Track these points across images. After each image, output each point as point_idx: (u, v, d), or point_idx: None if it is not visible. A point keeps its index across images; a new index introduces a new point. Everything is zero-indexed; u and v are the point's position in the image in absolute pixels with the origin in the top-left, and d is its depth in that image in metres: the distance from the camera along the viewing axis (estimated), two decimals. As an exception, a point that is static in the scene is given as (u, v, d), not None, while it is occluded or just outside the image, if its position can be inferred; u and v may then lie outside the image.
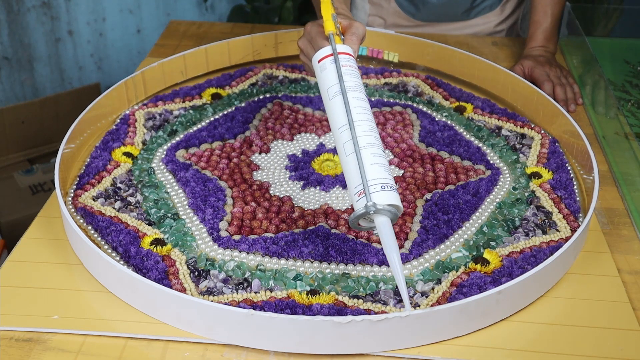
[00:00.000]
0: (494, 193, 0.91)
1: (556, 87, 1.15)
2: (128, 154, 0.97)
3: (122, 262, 0.80)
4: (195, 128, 1.04)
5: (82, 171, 0.94)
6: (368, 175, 0.72)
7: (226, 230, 0.84)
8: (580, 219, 0.87)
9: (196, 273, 0.78)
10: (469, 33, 1.39)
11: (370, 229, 0.73)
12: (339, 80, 0.78)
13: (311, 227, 0.85)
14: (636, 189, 0.95)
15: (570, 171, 0.96)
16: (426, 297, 0.76)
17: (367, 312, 0.73)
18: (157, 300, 0.71)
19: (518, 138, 1.03)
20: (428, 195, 0.90)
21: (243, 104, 1.10)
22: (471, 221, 0.87)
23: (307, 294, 0.75)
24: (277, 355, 0.70)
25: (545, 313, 0.75)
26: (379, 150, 0.74)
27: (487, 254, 0.81)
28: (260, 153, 1.00)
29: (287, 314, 0.70)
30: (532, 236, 0.84)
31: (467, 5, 1.36)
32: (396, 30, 1.35)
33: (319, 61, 0.81)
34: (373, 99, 1.12)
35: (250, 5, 2.21)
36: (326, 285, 0.77)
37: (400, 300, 0.75)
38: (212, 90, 1.14)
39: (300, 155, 0.99)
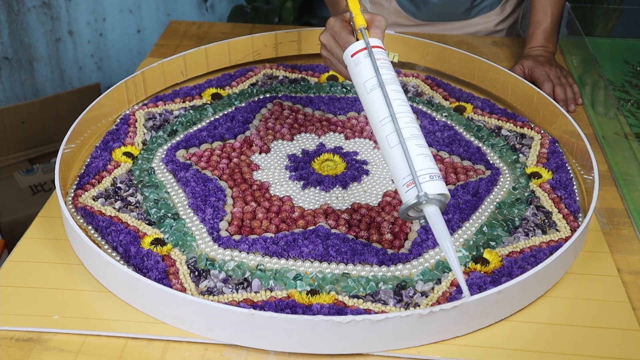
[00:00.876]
0: (493, 193, 0.92)
1: (556, 87, 1.15)
2: (128, 154, 0.97)
3: (122, 262, 0.80)
4: (195, 128, 1.04)
5: (82, 171, 0.94)
6: (416, 165, 0.72)
7: (226, 230, 0.84)
8: (580, 219, 0.88)
9: (196, 273, 0.78)
10: (470, 32, 1.39)
11: (418, 218, 0.75)
12: (375, 74, 0.78)
13: (311, 227, 0.85)
14: (636, 189, 0.96)
15: (570, 171, 0.96)
16: (426, 297, 0.76)
17: (367, 312, 0.73)
18: (157, 300, 0.71)
19: (518, 138, 1.03)
20: (428, 195, 0.90)
21: (243, 104, 1.10)
22: (471, 221, 0.87)
23: (307, 294, 0.75)
24: (277, 355, 0.70)
25: (545, 313, 0.75)
26: (422, 141, 0.75)
27: (487, 254, 0.81)
28: (260, 153, 1.00)
29: (287, 313, 0.70)
30: (532, 236, 0.84)
31: (467, 4, 1.36)
32: (396, 29, 1.35)
33: (352, 55, 0.81)
34: (373, 99, 1.12)
35: (250, 5, 2.21)
36: (326, 285, 0.77)
37: (400, 300, 0.75)
38: (212, 90, 1.14)
39: (300, 155, 0.99)
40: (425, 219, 0.75)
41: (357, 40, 0.82)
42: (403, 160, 0.73)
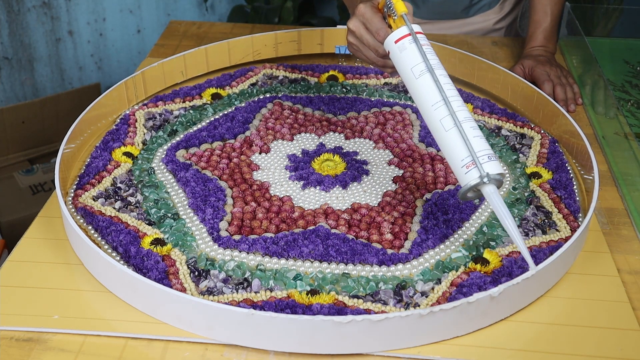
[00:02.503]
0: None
1: (556, 87, 1.15)
2: (128, 154, 0.97)
3: (122, 262, 0.80)
4: (195, 128, 1.04)
5: (82, 171, 0.94)
6: (474, 147, 0.75)
7: (226, 230, 0.84)
8: (580, 219, 0.87)
9: (196, 273, 0.78)
10: (469, 31, 1.39)
11: (475, 198, 0.78)
12: (423, 59, 0.80)
13: (311, 227, 0.85)
14: (636, 189, 0.96)
15: (570, 171, 0.96)
16: (426, 297, 0.76)
17: (367, 312, 0.73)
18: (157, 300, 0.71)
19: (518, 138, 1.03)
20: (428, 195, 0.90)
21: (243, 104, 1.10)
22: (471, 221, 0.87)
23: (307, 294, 0.75)
24: (277, 355, 0.70)
25: (545, 313, 0.75)
26: (475, 124, 0.78)
27: (487, 254, 0.81)
28: (260, 153, 1.00)
29: (287, 313, 0.70)
30: (532, 236, 0.84)
31: (466, 3, 1.36)
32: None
33: (395, 42, 0.82)
34: (373, 99, 1.12)
35: (250, 5, 2.21)
36: (326, 285, 0.77)
37: (400, 300, 0.75)
38: (212, 90, 1.14)
39: (300, 155, 0.99)
40: (478, 199, 0.79)
41: (390, 26, 0.84)
42: (461, 143, 0.76)
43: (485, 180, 0.74)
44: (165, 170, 0.95)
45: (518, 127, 1.05)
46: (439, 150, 1.00)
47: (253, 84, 1.17)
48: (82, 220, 0.86)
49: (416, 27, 0.83)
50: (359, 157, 0.99)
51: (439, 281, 0.78)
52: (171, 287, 0.75)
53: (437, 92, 0.78)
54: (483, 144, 0.76)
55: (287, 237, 0.82)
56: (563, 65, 1.28)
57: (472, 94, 1.14)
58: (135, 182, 0.92)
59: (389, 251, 0.81)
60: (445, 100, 0.77)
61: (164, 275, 0.77)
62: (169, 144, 1.00)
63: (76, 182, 0.92)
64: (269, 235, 0.83)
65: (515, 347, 0.71)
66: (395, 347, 0.70)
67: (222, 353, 0.70)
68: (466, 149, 0.75)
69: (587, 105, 1.16)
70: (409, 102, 1.12)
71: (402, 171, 0.96)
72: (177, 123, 1.05)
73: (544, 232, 0.85)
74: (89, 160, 0.96)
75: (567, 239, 0.83)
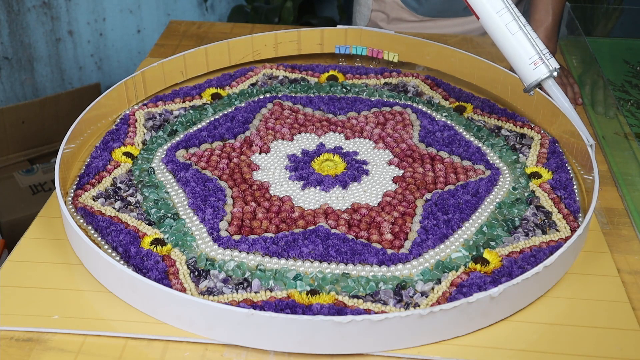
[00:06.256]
0: (493, 193, 0.92)
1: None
2: (128, 154, 0.97)
3: (122, 262, 0.80)
4: (195, 128, 1.04)
5: (82, 171, 0.94)
6: (540, 46, 0.91)
7: (226, 230, 0.84)
8: (580, 219, 0.87)
9: (196, 273, 0.78)
10: (470, 29, 1.39)
11: (531, 90, 0.94)
12: None
13: (311, 227, 0.85)
14: (636, 189, 0.96)
15: (570, 171, 0.96)
16: (426, 297, 0.76)
17: (367, 312, 0.73)
18: (157, 300, 0.71)
19: (518, 138, 1.03)
20: (428, 195, 0.91)
21: (243, 104, 1.10)
22: (471, 221, 0.87)
23: (307, 294, 0.75)
24: (277, 355, 0.70)
25: (545, 313, 0.75)
26: (530, 27, 0.93)
27: (487, 254, 0.81)
28: (260, 153, 1.00)
29: (287, 313, 0.70)
30: (532, 236, 0.84)
31: None
32: (398, 25, 1.35)
33: None
34: (373, 99, 1.12)
35: (250, 5, 2.22)
36: (326, 285, 0.77)
37: (400, 300, 0.75)
38: (212, 90, 1.14)
39: (300, 155, 0.99)
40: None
41: None
42: (527, 43, 0.91)
43: (554, 73, 0.91)
44: (165, 170, 0.95)
45: (518, 127, 1.05)
46: (439, 150, 1.00)
47: (253, 84, 1.17)
48: (82, 220, 0.86)
49: None
50: (359, 157, 0.99)
51: (439, 281, 0.78)
52: (171, 287, 0.75)
53: (500, 0, 0.92)
54: (542, 44, 0.91)
55: (287, 237, 0.82)
56: (563, 65, 1.28)
57: (472, 94, 1.14)
58: (135, 182, 0.92)
59: (389, 251, 0.81)
60: (508, 6, 0.91)
61: (164, 275, 0.77)
62: (169, 144, 1.00)
63: (76, 182, 0.92)
64: (269, 235, 0.83)
65: (515, 347, 0.71)
66: (395, 347, 0.70)
67: (222, 353, 0.70)
68: (533, 48, 0.91)
69: (587, 105, 1.16)
70: (409, 102, 1.12)
71: (402, 171, 0.96)
72: (177, 123, 1.05)
73: (544, 232, 0.85)
74: (89, 160, 0.96)
75: (567, 239, 0.83)
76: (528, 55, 0.91)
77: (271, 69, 1.21)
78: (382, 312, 0.73)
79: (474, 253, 0.82)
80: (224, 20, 2.32)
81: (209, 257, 0.80)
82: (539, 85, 0.93)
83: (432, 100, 1.13)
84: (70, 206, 0.88)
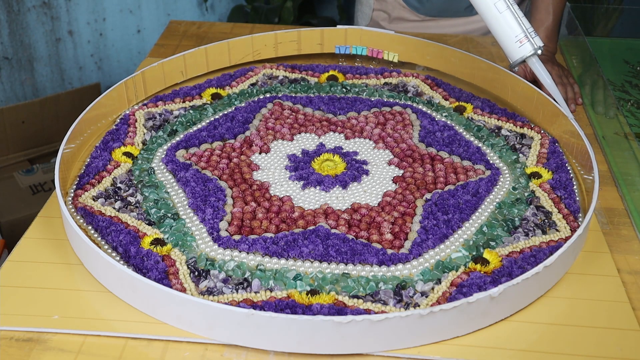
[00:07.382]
0: (493, 193, 0.92)
1: (557, 87, 1.15)
2: (128, 154, 0.97)
3: (122, 262, 0.80)
4: (195, 128, 1.04)
5: (82, 171, 0.94)
6: (526, 24, 0.95)
7: (226, 230, 0.84)
8: (580, 219, 0.88)
9: (196, 273, 0.78)
10: (471, 29, 1.39)
11: (516, 66, 0.99)
12: None
13: (311, 227, 0.85)
14: (636, 189, 0.96)
15: (570, 171, 0.96)
16: (426, 297, 0.76)
17: (367, 312, 0.73)
18: (157, 300, 0.71)
19: (518, 138, 1.03)
20: (428, 195, 0.90)
21: (243, 104, 1.10)
22: (471, 221, 0.87)
23: (307, 294, 0.75)
24: (277, 355, 0.70)
25: (545, 313, 0.75)
26: (517, 7, 0.97)
27: (487, 254, 0.81)
28: (260, 153, 1.00)
29: (287, 314, 0.70)
30: (531, 236, 0.84)
31: (469, 1, 1.36)
32: (400, 24, 1.35)
33: None
34: (373, 99, 1.12)
35: (250, 5, 2.22)
36: (326, 285, 0.77)
37: (400, 300, 0.75)
38: (212, 90, 1.14)
39: (300, 155, 0.99)
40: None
41: None
42: (514, 21, 0.95)
43: (539, 51, 0.95)
44: (165, 170, 0.95)
45: (518, 127, 1.05)
46: (439, 150, 1.00)
47: (253, 84, 1.17)
48: (82, 220, 0.86)
49: None
50: (359, 157, 0.99)
51: (439, 281, 0.78)
52: (171, 287, 0.75)
53: None
54: (528, 23, 0.95)
55: (287, 237, 0.82)
56: (563, 65, 1.28)
57: (472, 94, 1.14)
58: (135, 182, 0.92)
59: (389, 251, 0.81)
60: None
61: (164, 275, 0.77)
62: (169, 144, 1.00)
63: (76, 182, 0.92)
64: (269, 235, 0.83)
65: (515, 347, 0.71)
66: (395, 347, 0.70)
67: (222, 353, 0.70)
68: (519, 27, 0.95)
69: (587, 105, 1.16)
70: (409, 102, 1.12)
71: (402, 171, 0.96)
72: (177, 123, 1.05)
73: (544, 232, 0.85)
74: (88, 160, 0.96)
75: (567, 239, 0.83)
76: (514, 33, 0.95)
77: (271, 69, 1.21)
78: (382, 312, 0.73)
79: (474, 253, 0.82)
80: (224, 20, 2.32)
81: (209, 257, 0.80)
82: (524, 62, 0.98)
83: (432, 100, 1.13)
84: (70, 206, 0.88)
